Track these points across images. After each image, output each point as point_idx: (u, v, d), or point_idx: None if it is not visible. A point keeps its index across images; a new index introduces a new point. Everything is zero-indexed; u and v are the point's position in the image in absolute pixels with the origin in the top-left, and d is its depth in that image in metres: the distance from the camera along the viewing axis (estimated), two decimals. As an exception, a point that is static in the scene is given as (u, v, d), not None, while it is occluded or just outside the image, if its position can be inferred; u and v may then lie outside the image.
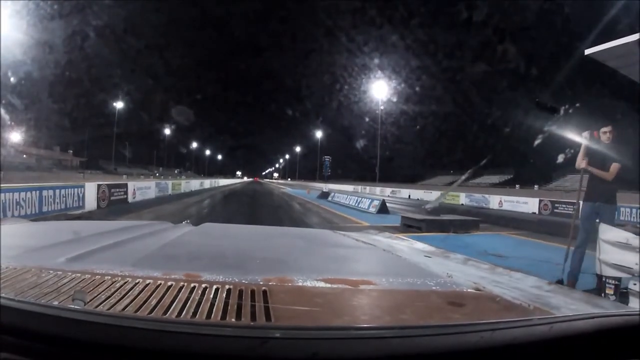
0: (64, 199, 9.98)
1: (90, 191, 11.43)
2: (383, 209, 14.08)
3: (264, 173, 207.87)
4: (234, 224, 2.88)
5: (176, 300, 0.78)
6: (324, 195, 22.70)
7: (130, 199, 14.38)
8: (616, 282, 3.13)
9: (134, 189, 15.09)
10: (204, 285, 0.88)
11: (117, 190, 13.49)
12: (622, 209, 13.07)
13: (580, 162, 4.18)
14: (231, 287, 0.88)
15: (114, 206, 12.42)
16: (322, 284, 0.97)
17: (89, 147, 53.26)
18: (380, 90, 33.14)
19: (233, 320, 0.71)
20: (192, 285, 0.88)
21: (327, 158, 28.99)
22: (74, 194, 10.49)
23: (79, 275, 0.91)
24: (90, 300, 0.75)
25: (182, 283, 0.89)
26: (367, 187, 40.46)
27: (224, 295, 0.83)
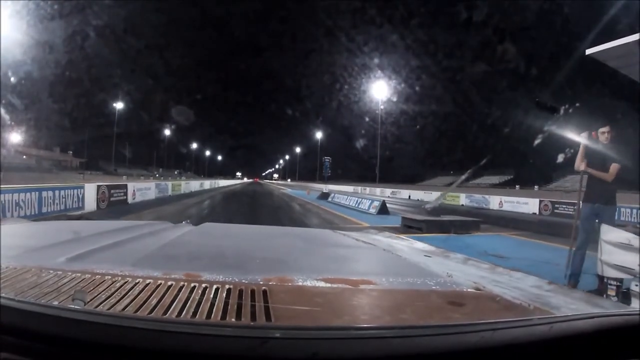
0: (64, 199, 9.97)
1: (90, 192, 11.42)
2: (383, 209, 14.08)
3: (263, 174, 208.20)
4: (234, 224, 2.88)
5: (176, 300, 0.78)
6: (324, 196, 22.67)
7: (130, 200, 14.37)
8: (618, 283, 3.11)
9: (134, 190, 15.09)
10: (204, 285, 0.88)
11: (117, 191, 13.49)
12: (622, 210, 13.06)
13: (580, 164, 4.15)
14: (231, 287, 0.88)
15: (113, 207, 12.41)
16: (322, 284, 0.97)
17: (89, 147, 53.31)
18: (380, 90, 33.18)
19: (233, 320, 0.71)
20: (192, 285, 0.88)
21: (327, 159, 29.00)
22: (73, 194, 10.48)
23: (79, 275, 0.91)
24: (91, 300, 0.75)
25: (182, 283, 0.89)
26: (367, 188, 40.45)
27: (224, 295, 0.83)
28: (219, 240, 1.76)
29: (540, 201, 18.99)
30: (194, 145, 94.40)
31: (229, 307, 0.76)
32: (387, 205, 14.72)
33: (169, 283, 0.89)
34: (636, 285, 2.78)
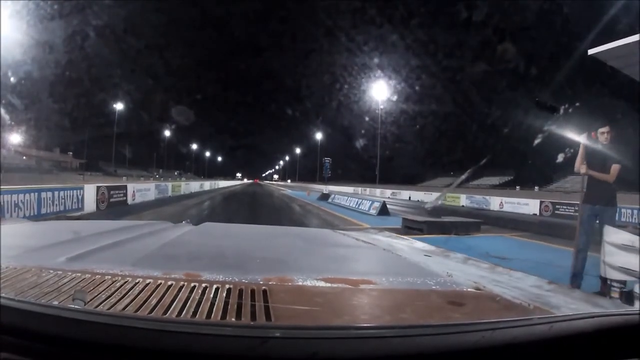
0: (63, 200, 9.92)
1: (90, 193, 11.37)
2: (384, 210, 14.01)
3: (264, 175, 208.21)
4: (234, 224, 2.88)
5: (176, 300, 0.79)
6: (324, 197, 22.61)
7: (129, 201, 14.31)
8: (621, 285, 3.05)
9: (134, 191, 15.03)
10: (204, 285, 0.88)
11: (117, 192, 13.44)
12: (622, 210, 13.05)
13: (580, 167, 4.10)
14: (231, 286, 0.88)
15: (113, 208, 12.36)
16: (322, 284, 0.97)
17: (89, 148, 53.29)
18: (380, 90, 33.14)
19: (233, 319, 0.71)
20: (192, 284, 0.88)
21: (327, 160, 28.96)
22: (72, 195, 10.44)
23: (79, 275, 0.92)
24: (91, 300, 0.75)
25: (182, 283, 0.89)
26: (367, 189, 40.45)
27: (224, 294, 0.83)
28: (219, 240, 1.76)
29: (541, 202, 18.97)
30: (194, 146, 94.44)
31: (229, 307, 0.76)
32: (388, 206, 14.67)
33: (169, 283, 0.89)
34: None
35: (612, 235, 3.25)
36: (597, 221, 4.02)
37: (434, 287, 1.02)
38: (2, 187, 7.89)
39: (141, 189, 16.19)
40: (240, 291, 0.86)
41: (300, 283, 0.97)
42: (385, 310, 0.87)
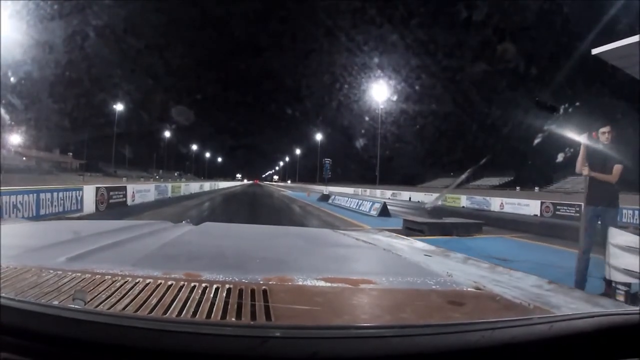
0: (62, 202, 9.86)
1: (89, 194, 11.32)
2: (384, 211, 13.94)
3: (263, 175, 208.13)
4: (234, 224, 2.88)
5: (176, 300, 0.79)
6: (325, 197, 22.54)
7: (129, 202, 14.27)
8: (626, 288, 3.02)
9: (133, 192, 14.97)
10: (204, 285, 0.88)
11: (116, 193, 13.38)
12: (623, 211, 13.02)
13: (582, 168, 4.03)
14: (231, 286, 0.88)
15: (112, 209, 12.31)
16: (322, 283, 0.97)
17: (89, 148, 53.33)
18: (380, 90, 33.08)
19: (233, 319, 0.71)
20: (192, 284, 0.88)
21: (327, 160, 28.86)
22: (72, 196, 10.38)
23: (79, 274, 0.92)
24: (91, 300, 0.75)
25: (182, 282, 0.89)
26: (368, 190, 40.44)
27: (224, 294, 0.83)
28: (219, 240, 1.76)
29: (542, 203, 18.93)
30: (194, 147, 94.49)
31: (229, 307, 0.76)
32: (388, 207, 14.59)
33: (169, 283, 0.89)
34: None
35: (617, 237, 3.20)
36: (599, 222, 3.97)
37: (434, 286, 1.02)
38: (1, 188, 7.86)
39: (141, 190, 16.14)
40: (240, 291, 0.86)
41: (300, 283, 0.97)
42: (386, 310, 0.87)
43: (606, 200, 3.98)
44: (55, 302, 0.73)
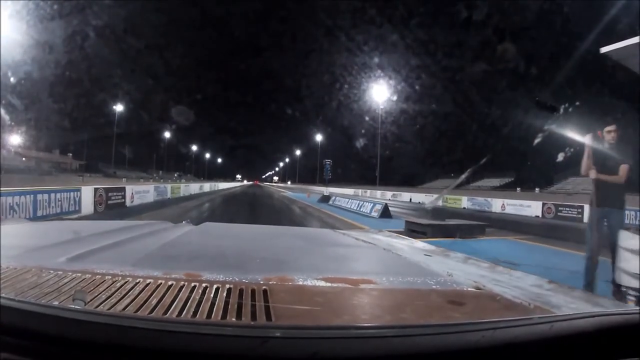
0: (59, 203, 9.76)
1: (87, 195, 11.22)
2: (385, 213, 13.82)
3: (263, 176, 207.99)
4: (234, 224, 2.88)
5: (176, 300, 0.79)
6: (325, 199, 22.41)
7: (128, 203, 14.19)
8: (637, 293, 2.91)
9: (132, 193, 14.89)
10: (204, 285, 0.88)
11: (115, 194, 13.30)
12: (625, 212, 12.94)
13: (589, 171, 3.90)
14: (231, 286, 0.88)
15: (111, 210, 12.22)
16: (322, 283, 0.97)
17: (89, 149, 53.29)
18: (380, 89, 33.04)
19: (233, 319, 0.71)
20: (193, 284, 0.88)
21: (327, 161, 28.74)
22: (69, 198, 10.27)
23: (79, 275, 0.92)
24: (91, 300, 0.75)
25: (182, 283, 0.89)
26: (368, 191, 40.42)
27: (225, 294, 0.83)
28: (219, 240, 1.76)
29: (544, 204, 18.82)
30: (194, 147, 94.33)
31: (230, 307, 0.76)
32: (389, 208, 14.58)
33: (170, 283, 0.89)
34: None
35: (628, 240, 3.10)
36: (605, 224, 3.87)
37: (434, 286, 1.02)
38: (1, 188, 7.82)
39: (140, 191, 16.08)
40: (241, 291, 0.86)
41: (300, 283, 0.97)
42: (386, 309, 0.87)
43: (612, 201, 3.87)
44: (56, 303, 0.73)
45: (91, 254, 1.16)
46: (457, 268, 1.30)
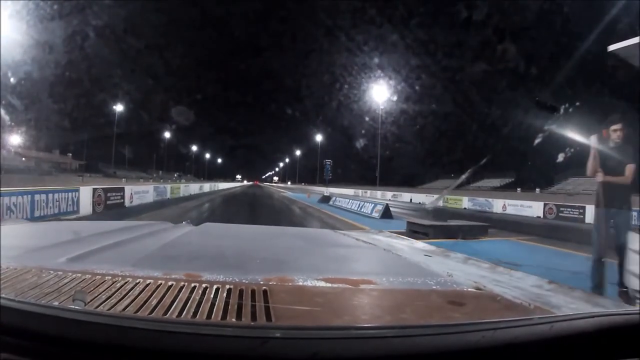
0: (57, 203, 9.63)
1: (85, 195, 11.10)
2: (387, 213, 13.72)
3: (263, 177, 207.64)
4: (234, 224, 2.88)
5: (177, 300, 0.78)
6: (325, 199, 22.29)
7: (127, 204, 14.10)
8: None
9: (131, 193, 14.79)
10: (204, 285, 0.88)
11: (114, 194, 13.18)
12: (632, 213, 12.85)
13: (595, 173, 3.80)
14: (231, 287, 0.88)
15: (110, 211, 12.12)
16: (322, 284, 0.97)
17: (88, 149, 53.30)
18: (380, 90, 33.00)
19: (233, 320, 0.71)
20: (193, 285, 0.88)
21: (328, 162, 28.64)
22: (67, 198, 10.14)
23: (79, 275, 0.92)
24: (91, 301, 0.75)
25: (182, 283, 0.89)
26: (368, 191, 40.41)
27: (225, 295, 0.83)
28: (219, 241, 1.76)
29: (545, 204, 18.75)
30: (194, 147, 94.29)
31: (230, 307, 0.76)
32: (390, 208, 14.50)
33: (170, 283, 0.89)
34: None
35: (637, 242, 3.01)
36: (612, 225, 3.79)
37: (434, 287, 1.02)
38: (0, 188, 7.77)
39: (139, 191, 16.01)
40: (241, 291, 0.86)
41: (300, 283, 0.97)
42: (386, 310, 0.87)
43: (619, 202, 3.78)
44: (56, 303, 0.73)
45: (91, 255, 1.16)
46: (457, 268, 1.30)
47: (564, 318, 0.67)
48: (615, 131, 3.86)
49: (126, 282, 0.88)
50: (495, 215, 18.12)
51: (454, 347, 0.57)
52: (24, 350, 0.55)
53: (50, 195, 9.44)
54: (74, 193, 10.58)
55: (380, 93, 32.51)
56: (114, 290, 0.83)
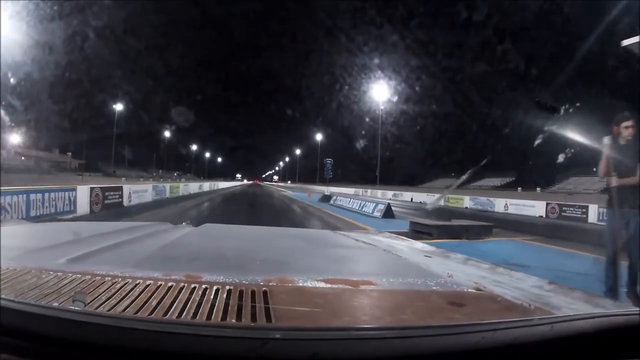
0: (54, 202, 9.42)
1: (83, 194, 10.91)
2: (388, 213, 13.57)
3: (263, 176, 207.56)
4: (234, 225, 2.88)
5: (176, 301, 0.78)
6: (326, 198, 22.16)
7: (125, 203, 13.95)
8: None
9: (130, 192, 14.63)
10: (204, 286, 0.88)
11: (112, 193, 12.98)
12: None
13: (610, 178, 3.68)
14: (231, 287, 0.88)
15: (108, 210, 11.98)
16: (322, 285, 0.97)
17: (88, 149, 53.40)
18: (380, 90, 33.01)
19: (233, 321, 0.71)
20: (193, 286, 0.88)
21: (328, 160, 28.64)
22: (64, 197, 9.95)
23: (79, 276, 0.92)
24: (91, 302, 0.75)
25: (182, 284, 0.89)
26: (369, 190, 40.41)
27: (225, 296, 0.83)
28: (219, 241, 1.76)
29: (547, 204, 18.74)
30: (194, 147, 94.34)
31: (230, 308, 0.76)
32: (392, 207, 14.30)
33: (170, 284, 0.89)
34: None
35: None
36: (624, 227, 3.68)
37: (434, 287, 1.02)
38: (1, 188, 7.72)
39: (138, 191, 15.87)
40: (241, 292, 0.85)
41: (300, 284, 0.97)
42: (386, 311, 0.87)
43: (632, 203, 3.65)
44: (56, 304, 0.73)
45: (91, 255, 1.16)
46: (457, 269, 1.30)
47: (564, 319, 0.67)
48: (627, 128, 3.73)
49: (126, 283, 0.88)
50: (497, 215, 18.11)
51: (454, 348, 0.57)
52: (24, 351, 0.55)
53: (46, 195, 9.25)
54: (70, 192, 10.39)
55: (380, 93, 32.53)
56: (113, 291, 0.83)
